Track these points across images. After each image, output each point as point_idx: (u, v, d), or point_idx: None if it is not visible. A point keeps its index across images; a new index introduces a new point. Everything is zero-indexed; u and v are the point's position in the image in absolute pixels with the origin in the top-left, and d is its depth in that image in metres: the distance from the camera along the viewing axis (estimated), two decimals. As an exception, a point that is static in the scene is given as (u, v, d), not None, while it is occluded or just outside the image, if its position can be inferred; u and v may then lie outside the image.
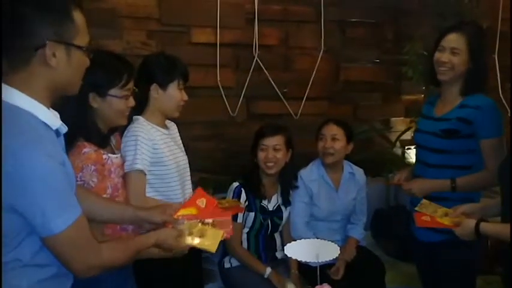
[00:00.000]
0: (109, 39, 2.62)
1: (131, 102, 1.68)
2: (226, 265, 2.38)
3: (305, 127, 2.91)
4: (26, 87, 1.11)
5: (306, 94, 3.18)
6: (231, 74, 3.04)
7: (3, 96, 1.10)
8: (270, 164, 2.34)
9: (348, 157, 2.55)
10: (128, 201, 1.74)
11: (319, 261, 1.41)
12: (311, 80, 3.19)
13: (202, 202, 1.61)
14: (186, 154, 2.04)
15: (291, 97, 3.18)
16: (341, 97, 3.38)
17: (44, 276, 1.15)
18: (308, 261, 1.45)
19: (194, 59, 2.78)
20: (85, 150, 1.56)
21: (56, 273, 1.17)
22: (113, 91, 1.61)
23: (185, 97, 1.93)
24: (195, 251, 1.54)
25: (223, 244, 2.32)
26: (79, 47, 1.14)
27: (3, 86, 1.11)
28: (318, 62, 3.20)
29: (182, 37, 2.90)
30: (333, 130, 2.46)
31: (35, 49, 1.09)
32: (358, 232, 2.54)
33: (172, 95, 1.90)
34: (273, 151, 2.34)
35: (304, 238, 2.30)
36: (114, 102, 1.62)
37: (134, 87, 1.71)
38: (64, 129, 1.19)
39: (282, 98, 3.15)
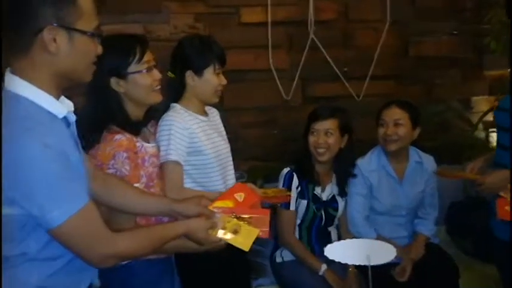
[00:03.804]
0: (155, 24, 2.57)
1: (156, 74, 1.63)
2: (278, 259, 2.24)
3: (369, 110, 2.67)
4: (28, 75, 1.08)
5: (369, 73, 2.92)
6: (284, 55, 2.88)
7: (6, 83, 1.09)
8: (321, 150, 2.15)
9: (417, 143, 2.26)
10: (165, 192, 1.68)
11: (371, 264, 1.25)
12: (375, 57, 2.93)
13: (240, 196, 1.54)
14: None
15: (352, 77, 2.95)
16: (411, 75, 3.10)
17: (55, 270, 1.12)
18: (356, 264, 1.30)
19: (244, 41, 2.66)
20: (117, 137, 1.53)
21: (68, 265, 1.13)
22: (131, 68, 1.57)
23: (224, 81, 1.85)
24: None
25: (275, 236, 2.18)
26: (82, 32, 1.08)
27: (7, 73, 1.09)
28: (383, 36, 2.92)
29: (231, 18, 2.78)
30: (395, 114, 2.18)
31: (34, 34, 1.05)
32: (427, 228, 2.27)
33: (209, 81, 1.81)
34: (324, 136, 2.14)
35: (364, 234, 2.15)
36: (138, 78, 1.59)
37: (168, 72, 1.65)
38: (73, 117, 1.16)
39: (342, 78, 2.93)
